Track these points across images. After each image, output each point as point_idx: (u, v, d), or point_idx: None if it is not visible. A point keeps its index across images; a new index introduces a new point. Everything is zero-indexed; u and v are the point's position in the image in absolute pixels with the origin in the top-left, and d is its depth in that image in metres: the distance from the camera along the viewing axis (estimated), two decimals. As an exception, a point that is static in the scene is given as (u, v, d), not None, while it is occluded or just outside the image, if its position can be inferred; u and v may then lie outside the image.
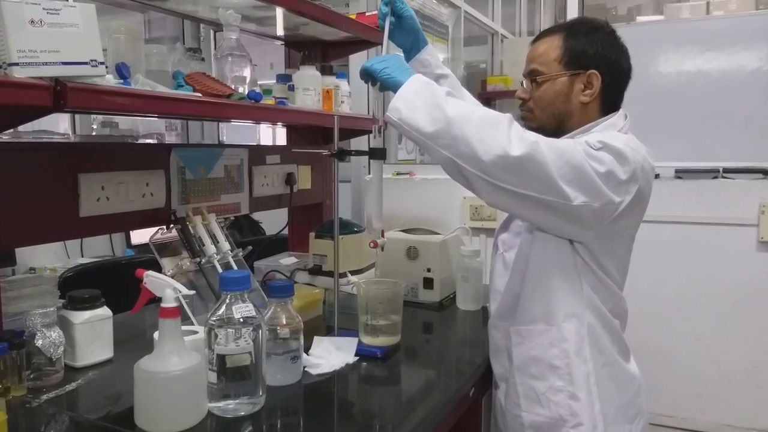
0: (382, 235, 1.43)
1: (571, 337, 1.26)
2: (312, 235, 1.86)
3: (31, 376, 1.17)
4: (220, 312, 1.05)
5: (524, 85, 1.36)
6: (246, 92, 1.51)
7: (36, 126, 2.84)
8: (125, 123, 3.64)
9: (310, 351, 1.34)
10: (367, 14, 2.08)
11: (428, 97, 1.14)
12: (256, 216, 3.46)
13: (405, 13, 1.40)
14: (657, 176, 2.26)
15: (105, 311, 1.31)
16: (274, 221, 2.49)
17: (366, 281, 1.50)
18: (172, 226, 1.55)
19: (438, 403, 1.16)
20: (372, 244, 1.43)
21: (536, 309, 1.29)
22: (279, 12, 1.73)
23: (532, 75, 1.33)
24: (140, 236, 3.16)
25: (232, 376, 1.05)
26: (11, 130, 2.20)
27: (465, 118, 1.11)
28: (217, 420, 1.05)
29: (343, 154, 1.43)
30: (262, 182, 1.95)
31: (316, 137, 2.29)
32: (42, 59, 0.96)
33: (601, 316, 1.28)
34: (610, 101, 1.32)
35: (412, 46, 1.50)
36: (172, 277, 1.28)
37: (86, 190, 1.40)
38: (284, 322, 1.20)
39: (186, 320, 1.25)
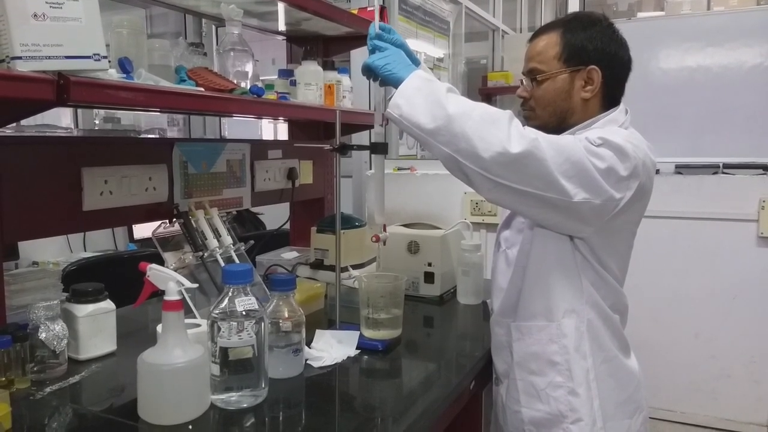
0: (384, 230, 1.44)
1: (571, 333, 1.26)
2: (313, 229, 1.87)
3: (35, 368, 1.18)
4: (223, 305, 1.06)
5: (524, 84, 1.35)
6: (248, 87, 1.52)
7: (39, 120, 2.85)
8: (127, 118, 3.64)
9: (312, 344, 1.35)
10: (368, 9, 2.08)
11: (429, 93, 1.14)
12: (258, 211, 3.47)
13: (395, 44, 1.29)
14: (657, 172, 2.26)
15: (108, 304, 1.32)
16: (275, 216, 2.50)
17: (367, 275, 1.51)
18: (174, 220, 1.55)
19: (438, 397, 1.17)
20: (374, 239, 1.44)
21: (536, 305, 1.29)
22: (281, 7, 1.73)
23: (531, 74, 1.32)
24: (143, 230, 3.17)
25: (234, 368, 1.06)
26: (14, 124, 2.21)
27: (465, 114, 1.11)
28: (220, 412, 1.05)
29: (344, 149, 1.44)
30: (264, 177, 1.96)
31: (318, 132, 2.30)
32: (45, 53, 0.96)
33: (601, 312, 1.29)
34: (611, 96, 1.32)
35: None
36: (175, 271, 1.29)
37: (89, 184, 1.41)
38: (286, 315, 1.20)
39: (189, 313, 1.26)
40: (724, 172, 2.49)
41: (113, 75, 1.13)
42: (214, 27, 4.02)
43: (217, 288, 1.47)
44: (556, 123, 1.31)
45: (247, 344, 1.05)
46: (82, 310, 1.28)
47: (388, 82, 1.22)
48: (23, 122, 2.66)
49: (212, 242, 1.52)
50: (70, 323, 1.25)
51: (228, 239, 1.57)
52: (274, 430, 1.05)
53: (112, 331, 1.34)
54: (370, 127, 2.04)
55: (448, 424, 1.22)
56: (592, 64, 1.27)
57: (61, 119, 3.32)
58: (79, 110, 3.33)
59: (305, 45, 1.93)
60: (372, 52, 1.25)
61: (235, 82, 1.50)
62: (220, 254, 1.52)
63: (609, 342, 1.30)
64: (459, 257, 1.86)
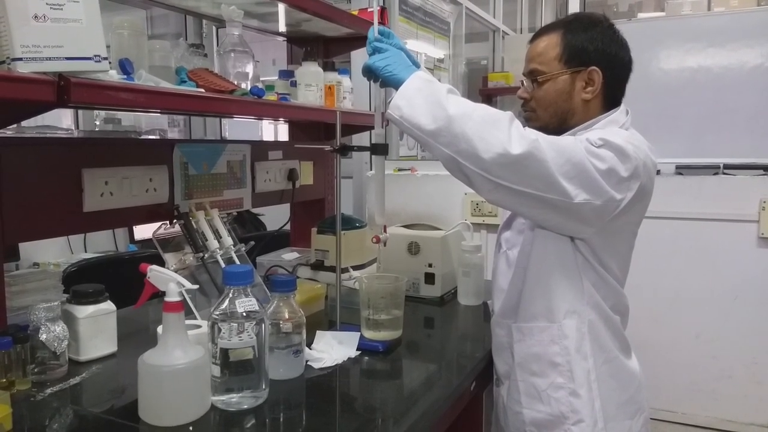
0: (385, 231, 1.44)
1: (572, 334, 1.26)
2: (314, 230, 1.87)
3: (36, 370, 1.18)
4: (224, 306, 1.06)
5: (525, 85, 1.35)
6: (248, 88, 1.52)
7: (39, 121, 2.85)
8: (128, 119, 3.65)
9: (313, 345, 1.35)
10: (368, 10, 2.08)
11: (429, 94, 1.14)
12: (258, 212, 3.47)
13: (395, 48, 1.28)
14: (658, 172, 2.26)
15: (109, 305, 1.32)
16: (276, 217, 2.50)
17: (368, 276, 1.50)
18: (175, 221, 1.55)
19: (439, 398, 1.17)
20: (374, 240, 1.44)
21: (537, 306, 1.29)
22: (281, 8, 1.74)
23: (532, 75, 1.32)
24: (143, 231, 3.18)
25: (235, 369, 1.06)
26: (15, 125, 2.21)
27: (466, 116, 1.11)
28: (221, 413, 1.05)
29: (345, 150, 1.44)
30: (265, 178, 1.96)
31: (318, 133, 2.30)
32: (45, 54, 0.96)
33: (602, 313, 1.29)
34: (611, 96, 1.32)
35: None
36: (176, 272, 1.29)
37: (90, 185, 1.41)
38: (287, 316, 1.20)
39: (189, 315, 1.26)
40: (724, 173, 2.48)
41: (114, 76, 1.13)
42: (214, 28, 4.02)
43: (218, 289, 1.46)
44: (557, 124, 1.31)
45: (247, 345, 1.05)
46: (83, 311, 1.28)
47: (389, 83, 1.22)
48: (24, 123, 2.67)
49: (213, 243, 1.52)
50: (70, 324, 1.25)
51: (228, 240, 1.57)
52: (275, 432, 1.05)
53: (112, 332, 1.33)
54: (371, 128, 2.04)
55: (448, 425, 1.21)
56: (593, 65, 1.27)
57: (61, 120, 3.33)
58: (80, 111, 3.33)
59: (306, 46, 1.94)
60: (372, 54, 1.25)
61: (235, 83, 1.50)
62: (220, 255, 1.52)
63: (610, 343, 1.30)
64: (459, 258, 1.86)
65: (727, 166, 2.51)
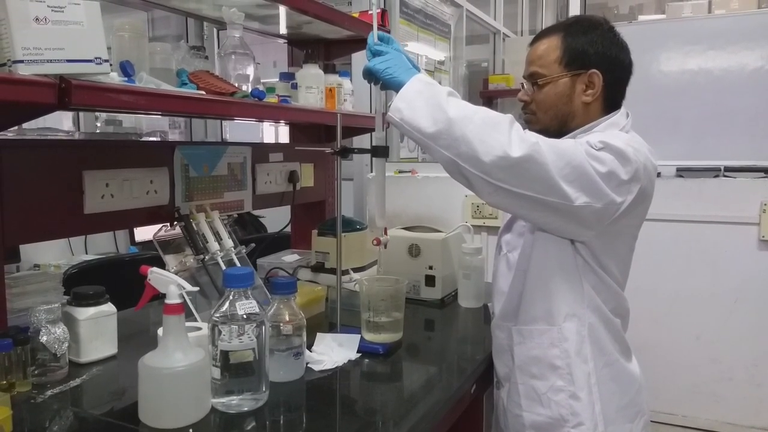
0: (385, 233, 1.44)
1: (572, 337, 1.26)
2: (314, 232, 1.87)
3: (36, 372, 1.18)
4: (224, 308, 1.06)
5: (525, 88, 1.35)
6: (249, 90, 1.52)
7: (41, 123, 2.85)
8: (129, 121, 3.65)
9: (313, 347, 1.35)
10: (369, 13, 2.08)
11: (430, 97, 1.14)
12: (259, 213, 3.48)
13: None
14: (658, 175, 2.26)
15: (109, 307, 1.32)
16: (276, 219, 2.50)
17: (368, 278, 1.51)
18: (175, 223, 1.55)
19: (439, 400, 1.17)
20: (375, 242, 1.44)
21: (537, 309, 1.29)
22: (282, 10, 1.74)
23: (532, 78, 1.32)
24: (144, 233, 3.18)
25: (235, 372, 1.06)
26: (16, 128, 2.21)
27: (466, 118, 1.11)
28: (221, 416, 1.05)
29: (345, 152, 1.44)
30: (265, 180, 1.96)
31: (319, 135, 2.30)
32: (47, 57, 0.96)
33: (602, 316, 1.28)
34: (612, 99, 1.32)
35: None
36: (176, 274, 1.29)
37: (91, 187, 1.41)
38: (287, 318, 1.20)
39: (189, 317, 1.26)
40: (725, 176, 2.48)
41: (115, 78, 1.13)
42: (215, 30, 4.02)
43: (218, 291, 1.47)
44: (558, 127, 1.31)
45: (247, 347, 1.05)
46: (83, 313, 1.28)
47: (389, 85, 1.22)
48: (25, 125, 2.67)
49: (213, 245, 1.52)
50: (71, 326, 1.25)
51: (229, 242, 1.57)
52: (275, 434, 1.05)
53: (113, 334, 1.34)
54: (371, 130, 2.05)
55: (449, 428, 1.21)
56: (593, 67, 1.27)
57: (62, 122, 3.33)
58: (81, 113, 3.33)
59: (306, 48, 1.94)
60: (372, 57, 1.25)
61: (236, 85, 1.51)
62: (221, 257, 1.52)
63: (610, 346, 1.30)
64: (460, 260, 1.86)
65: (727, 169, 2.52)
